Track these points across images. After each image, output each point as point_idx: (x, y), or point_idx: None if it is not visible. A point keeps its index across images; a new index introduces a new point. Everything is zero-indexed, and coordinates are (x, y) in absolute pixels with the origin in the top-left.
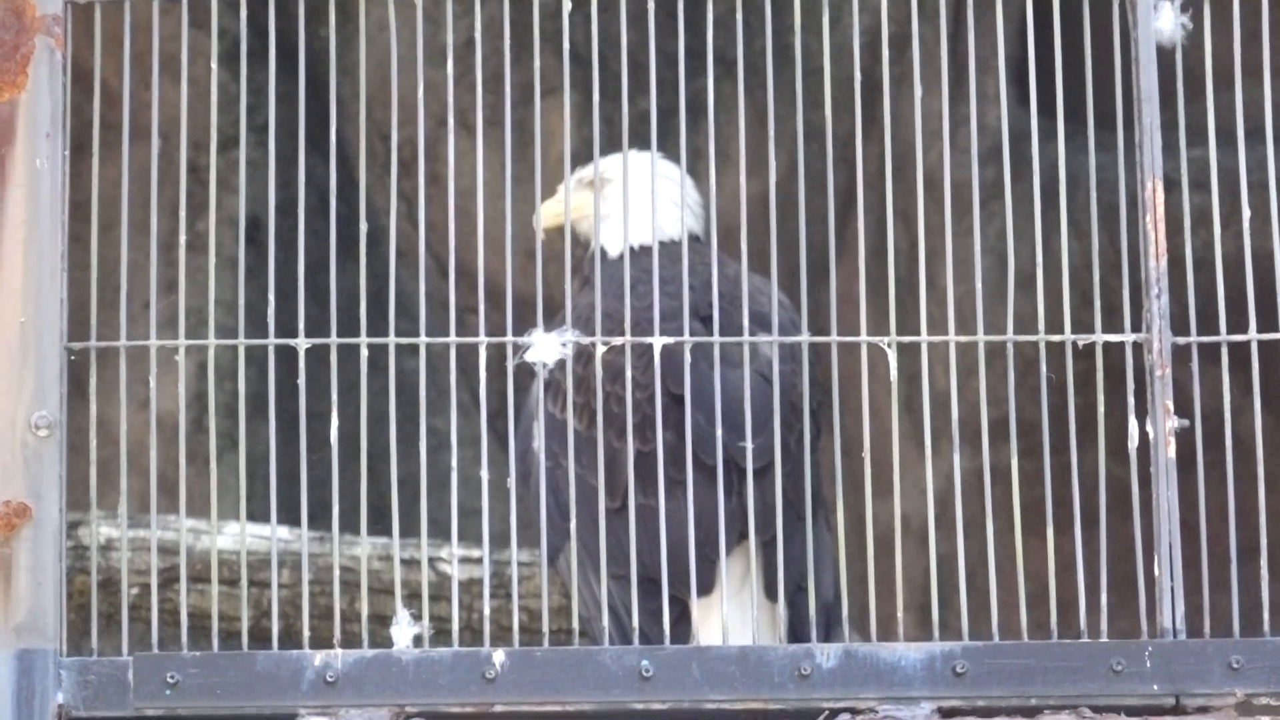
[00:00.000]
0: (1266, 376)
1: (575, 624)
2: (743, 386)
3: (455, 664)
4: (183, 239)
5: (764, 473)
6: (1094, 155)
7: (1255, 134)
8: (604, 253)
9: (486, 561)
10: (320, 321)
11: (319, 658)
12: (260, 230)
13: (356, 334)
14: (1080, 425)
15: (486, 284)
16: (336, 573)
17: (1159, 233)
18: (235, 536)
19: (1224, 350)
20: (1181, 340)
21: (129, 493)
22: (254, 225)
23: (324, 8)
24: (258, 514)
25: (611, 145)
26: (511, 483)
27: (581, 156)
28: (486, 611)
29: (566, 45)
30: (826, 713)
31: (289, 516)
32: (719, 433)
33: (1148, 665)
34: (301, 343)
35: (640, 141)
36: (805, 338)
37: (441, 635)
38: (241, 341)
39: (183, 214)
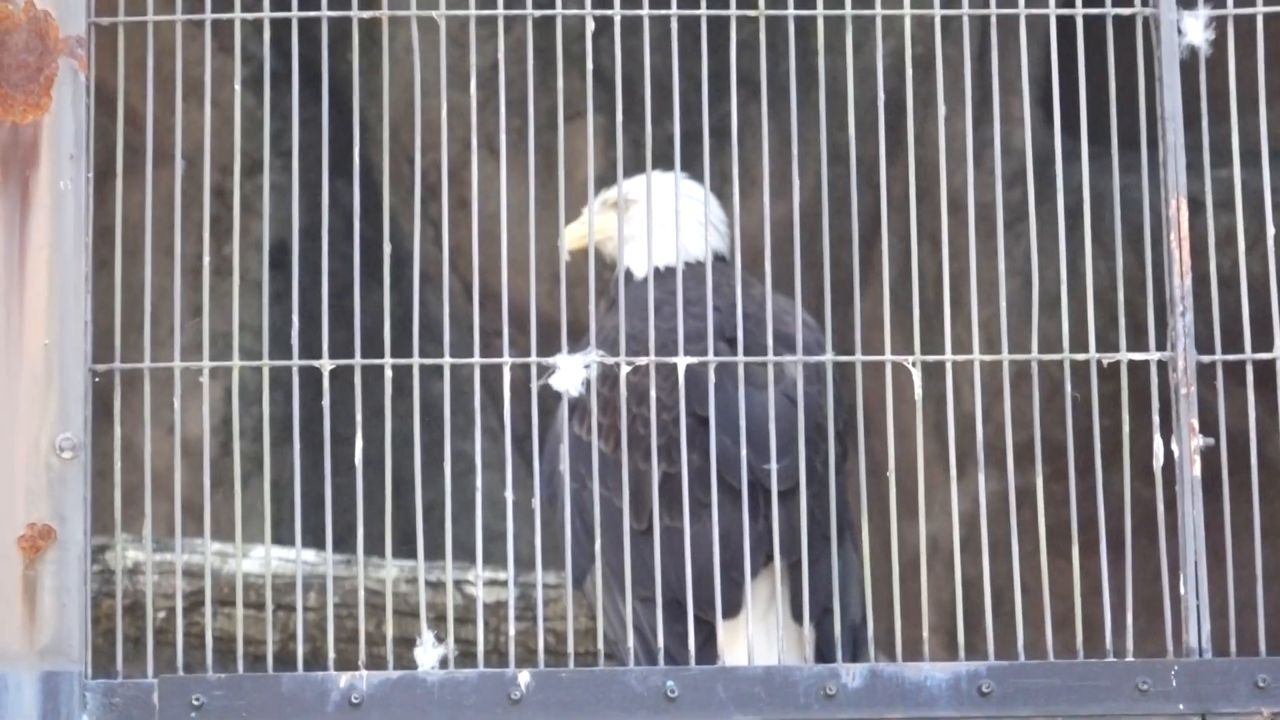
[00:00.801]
0: None
1: (601, 646)
2: (768, 408)
3: (481, 685)
4: (207, 263)
5: (790, 494)
6: (1119, 175)
7: None
8: (629, 274)
9: (512, 584)
10: (345, 345)
11: (344, 679)
12: (285, 254)
13: (382, 357)
14: (1106, 446)
15: (511, 307)
16: (362, 595)
17: (1183, 251)
18: (261, 560)
19: (1249, 369)
20: (1206, 359)
21: (155, 516)
22: (279, 249)
23: (349, 32)
24: (283, 537)
25: (636, 168)
26: (537, 505)
27: (607, 179)
28: (512, 633)
29: (590, 68)
30: None
31: (315, 540)
32: (744, 454)
33: (1174, 685)
34: (326, 364)
35: (665, 164)
36: (830, 357)
37: (467, 657)
38: (266, 363)
39: (207, 238)
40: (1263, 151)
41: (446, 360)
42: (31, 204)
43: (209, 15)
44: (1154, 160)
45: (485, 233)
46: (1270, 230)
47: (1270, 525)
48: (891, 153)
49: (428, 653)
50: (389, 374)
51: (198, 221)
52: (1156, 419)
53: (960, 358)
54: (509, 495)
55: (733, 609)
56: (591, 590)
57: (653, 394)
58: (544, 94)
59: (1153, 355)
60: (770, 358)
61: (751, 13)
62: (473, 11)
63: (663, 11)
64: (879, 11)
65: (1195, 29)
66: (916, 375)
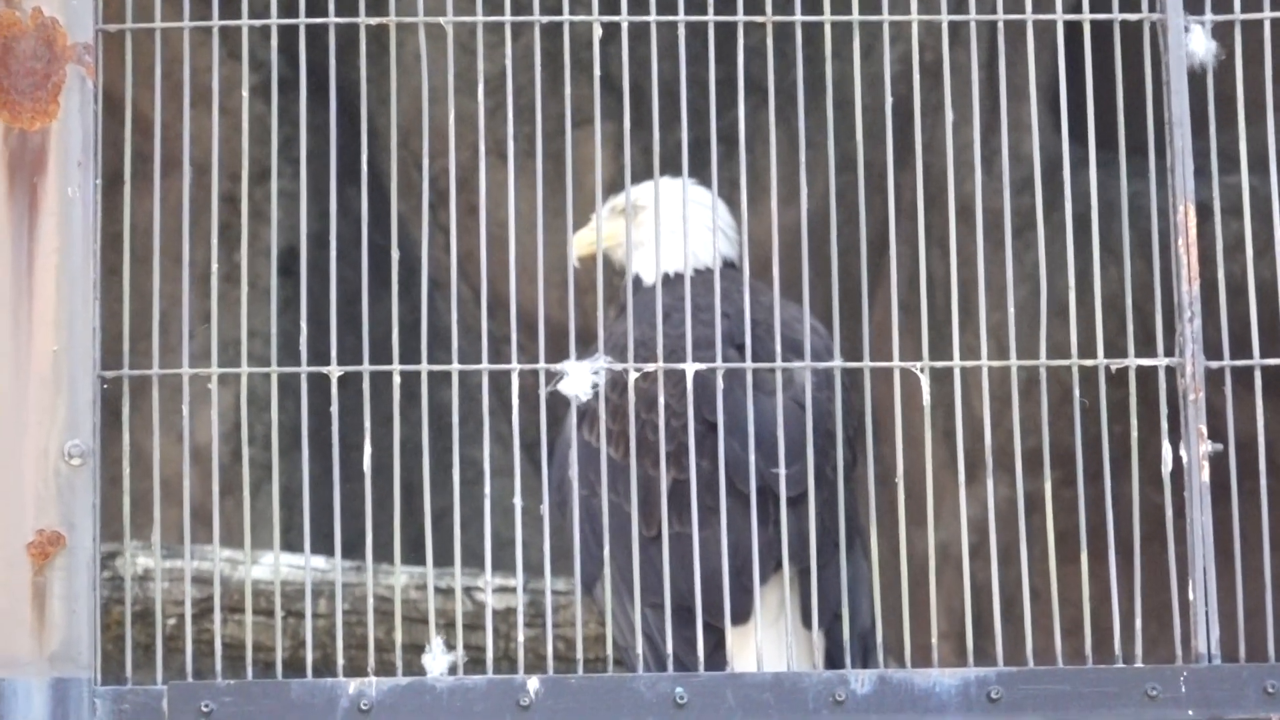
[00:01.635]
0: None
1: (610, 652)
2: (777, 414)
3: (490, 691)
4: (216, 269)
5: (799, 500)
6: (1127, 181)
7: None
8: (637, 280)
9: (521, 590)
10: (354, 352)
11: (353, 686)
12: (294, 261)
13: (390, 364)
14: (1115, 452)
15: (520, 313)
16: (371, 602)
17: (1191, 256)
18: (270, 566)
19: (1258, 374)
20: (1215, 364)
21: (164, 523)
22: (288, 256)
23: (357, 39)
24: (293, 544)
25: (645, 175)
26: (546, 511)
27: (616, 186)
28: (521, 640)
29: (599, 75)
30: None
31: (324, 546)
32: (753, 460)
33: (1183, 690)
34: (334, 370)
35: (673, 170)
36: (838, 363)
37: (477, 664)
38: (274, 369)
39: (216, 244)
40: (1271, 157)
41: (455, 367)
42: (40, 211)
43: (217, 22)
44: (1162, 166)
45: (494, 239)
46: (1279, 236)
47: (1278, 530)
48: (900, 159)
49: (437, 659)
50: (397, 380)
51: (206, 228)
52: (1165, 425)
53: (969, 364)
54: (518, 502)
55: (742, 615)
56: (601, 596)
57: (661, 400)
58: (552, 101)
59: (1161, 361)
60: (779, 364)
61: (759, 19)
62: (480, 18)
63: (670, 18)
64: (886, 18)
65: (1200, 42)
66: (925, 382)
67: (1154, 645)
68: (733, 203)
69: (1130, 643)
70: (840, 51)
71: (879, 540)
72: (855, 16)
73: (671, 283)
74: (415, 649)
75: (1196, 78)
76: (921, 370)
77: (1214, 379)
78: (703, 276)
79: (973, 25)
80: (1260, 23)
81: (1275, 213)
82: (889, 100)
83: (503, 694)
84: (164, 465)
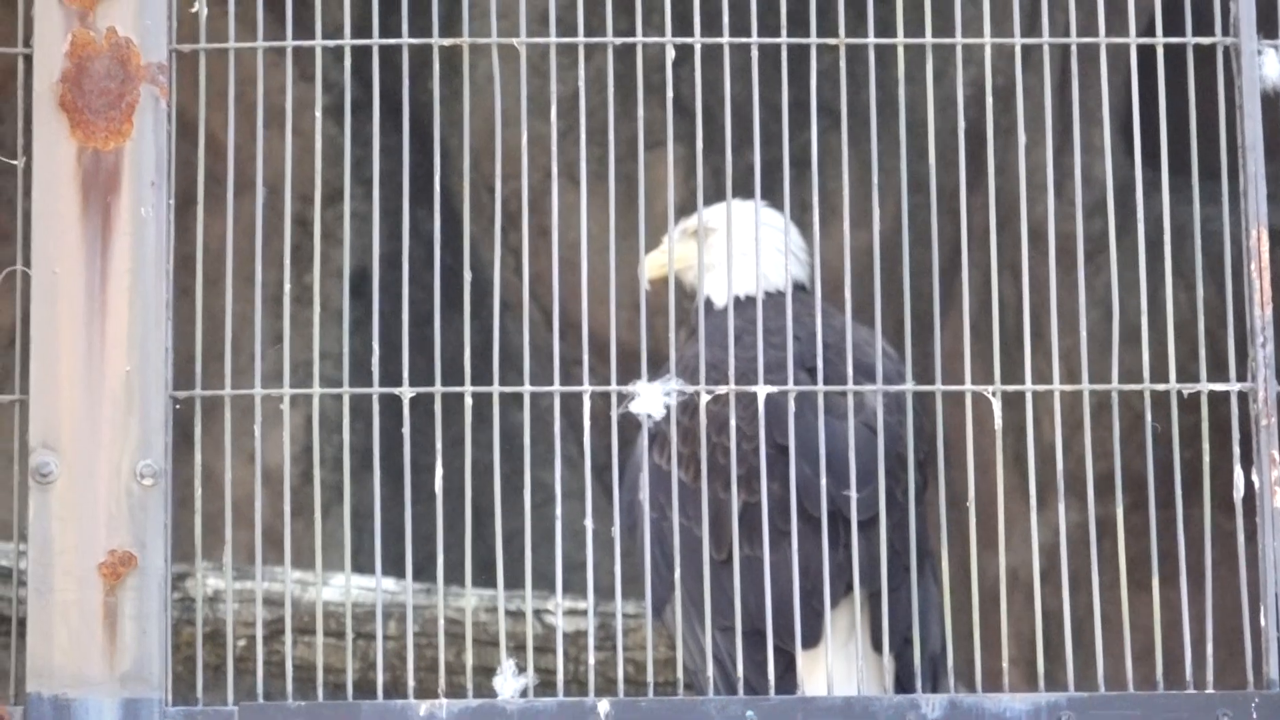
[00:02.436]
0: None
1: (680, 675)
2: (848, 437)
3: (560, 714)
4: (288, 290)
5: (870, 524)
6: (1199, 205)
7: None
8: (709, 303)
9: (592, 613)
10: (426, 373)
11: (424, 708)
12: (366, 282)
13: (462, 386)
14: (1187, 477)
15: (591, 336)
16: (442, 624)
17: (1264, 282)
18: (341, 588)
19: None
20: None
21: (235, 544)
22: (360, 277)
23: (430, 60)
24: (363, 565)
25: (717, 197)
26: (617, 534)
27: (687, 208)
28: (592, 663)
29: (671, 97)
30: None
31: (395, 568)
32: (824, 483)
33: (1254, 716)
34: (406, 392)
35: (745, 193)
36: (909, 386)
37: (547, 687)
38: (346, 390)
39: (288, 265)
40: None
41: (527, 389)
42: (113, 231)
43: (290, 43)
44: (1235, 191)
45: (565, 261)
46: None
47: None
48: (972, 182)
49: (507, 682)
50: (469, 402)
51: (278, 249)
52: (1237, 450)
53: (1041, 388)
54: (589, 524)
55: (812, 639)
56: (671, 620)
57: (733, 423)
58: (624, 123)
59: (1233, 386)
60: (850, 387)
61: (832, 41)
62: (553, 39)
63: (743, 40)
64: (959, 40)
65: (1274, 66)
66: (997, 406)
67: (1225, 671)
68: (804, 225)
69: (1201, 668)
70: (913, 74)
71: (949, 564)
72: (928, 39)
73: (743, 305)
74: (485, 671)
75: (1270, 102)
76: (993, 394)
77: None
78: (774, 299)
79: (1046, 48)
80: None
81: None
82: (961, 123)
83: (573, 717)
84: (235, 486)
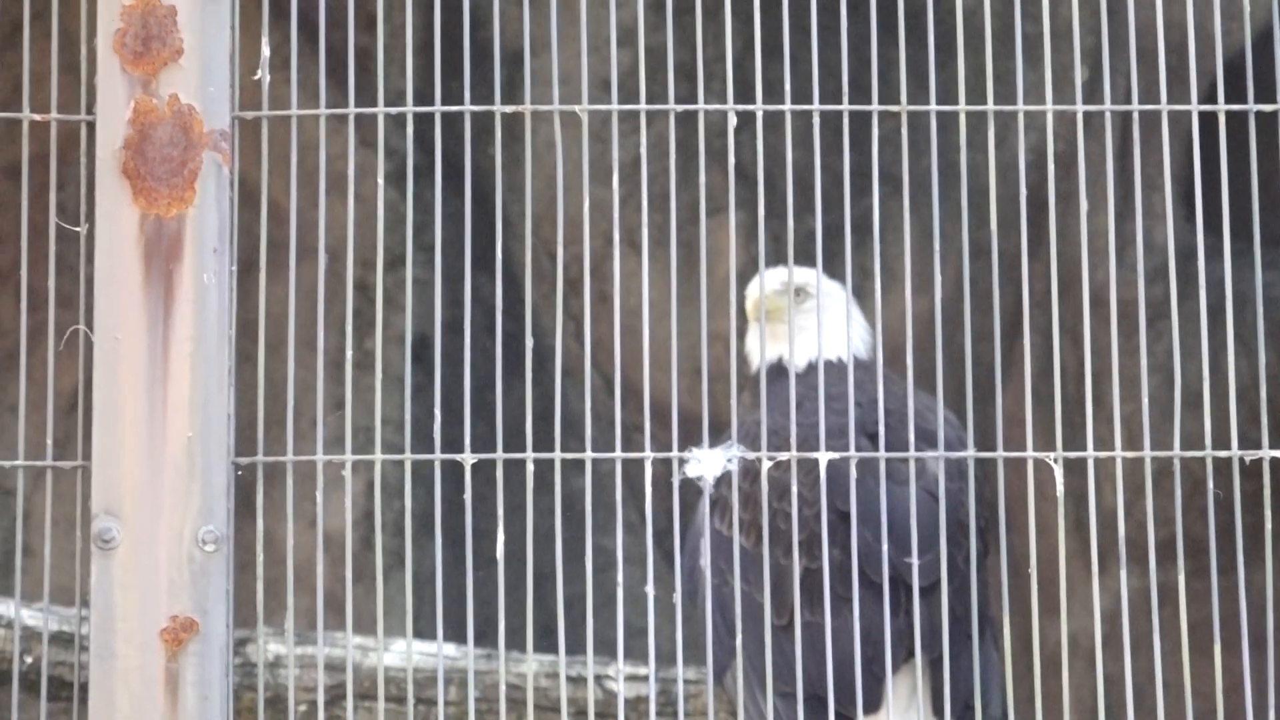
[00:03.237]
0: None
1: None
2: (910, 503)
3: None
4: (350, 356)
5: (931, 590)
6: (1261, 272)
7: None
8: (771, 370)
9: (653, 679)
10: (487, 439)
11: None
12: (427, 348)
13: (524, 452)
14: (1248, 543)
15: (652, 402)
16: (503, 690)
17: None
18: (402, 654)
19: None
20: None
21: (296, 609)
22: (421, 343)
23: (492, 126)
24: (425, 631)
25: (777, 263)
26: (678, 600)
27: (748, 275)
28: None
29: (732, 164)
30: None
31: (456, 634)
32: (885, 549)
33: None
34: (468, 458)
35: (806, 260)
36: (971, 453)
37: None
38: (409, 456)
39: (350, 331)
40: None
41: (589, 455)
42: (175, 297)
43: (352, 110)
44: None
45: (626, 328)
46: None
47: None
48: (1033, 249)
49: None
50: (531, 468)
51: (340, 315)
52: None
53: (1102, 454)
54: (650, 590)
55: (874, 705)
56: (732, 686)
57: (794, 489)
58: (685, 189)
59: None
60: (912, 454)
61: (894, 108)
62: (615, 106)
63: (805, 107)
64: (1021, 108)
65: None
66: (1058, 472)
67: None
68: (865, 292)
69: None
70: (974, 140)
71: (1011, 630)
72: (990, 106)
73: (804, 373)
74: None
75: None
76: (1054, 460)
77: None
78: (835, 368)
79: (1108, 115)
80: None
81: None
82: (1023, 189)
83: None
84: (296, 551)
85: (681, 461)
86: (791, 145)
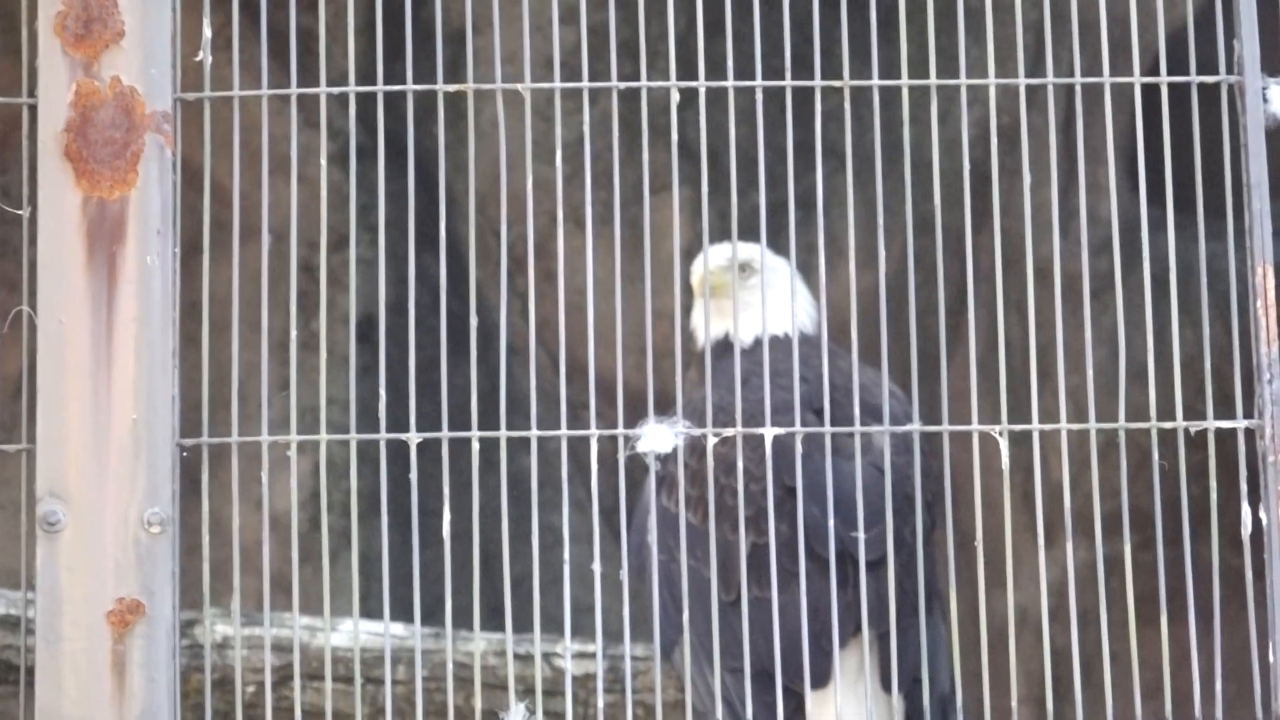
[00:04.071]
0: None
1: (689, 717)
2: (855, 478)
3: None
4: (294, 337)
5: (878, 564)
6: (1205, 243)
7: None
8: (716, 347)
9: (600, 656)
10: (433, 419)
11: None
12: (372, 328)
13: (469, 430)
14: (1194, 514)
15: (598, 379)
16: (450, 668)
17: (1270, 318)
18: (349, 634)
19: None
20: None
21: (243, 591)
22: (366, 323)
23: (435, 106)
24: (372, 611)
25: (722, 240)
26: (625, 577)
27: (693, 251)
28: (601, 705)
29: (676, 141)
30: None
31: (403, 613)
32: (832, 524)
33: None
34: (413, 437)
35: (750, 236)
36: (916, 427)
37: None
38: (354, 436)
39: (294, 312)
40: None
41: (534, 433)
42: (119, 280)
43: (295, 90)
44: (1240, 228)
45: (572, 305)
46: None
47: None
48: (978, 223)
49: None
50: (476, 447)
51: (284, 296)
52: (1244, 487)
53: (1048, 427)
54: (597, 567)
55: (821, 679)
56: (680, 662)
57: (740, 465)
58: (630, 167)
59: (1240, 423)
60: (858, 428)
61: (836, 83)
62: (558, 84)
63: (748, 83)
64: (964, 81)
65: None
66: (1004, 445)
67: (1234, 707)
68: (810, 268)
69: (1210, 705)
70: (917, 115)
71: (958, 604)
72: (933, 80)
73: (748, 350)
74: (494, 715)
75: (1275, 139)
76: (1000, 434)
77: None
78: (780, 344)
79: (1050, 88)
80: None
81: None
82: (966, 163)
83: None
84: (243, 533)
85: (628, 438)
86: (735, 122)
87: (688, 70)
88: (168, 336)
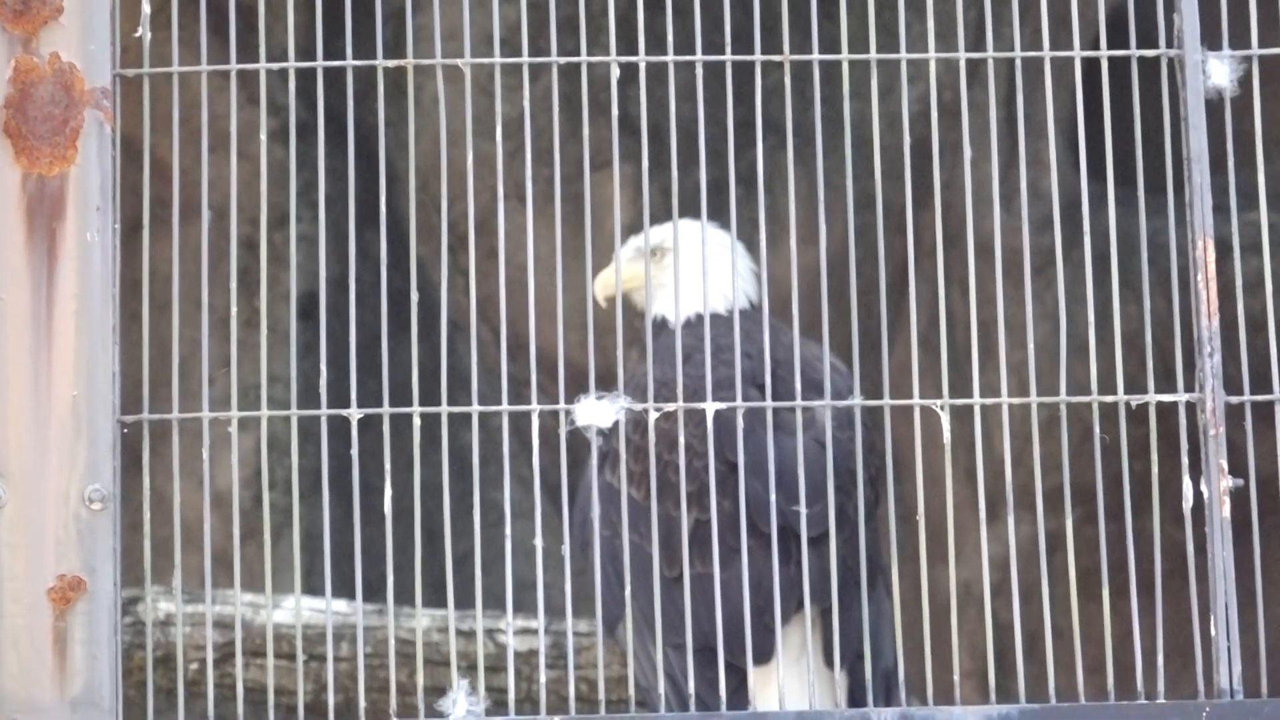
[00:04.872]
0: None
1: (633, 693)
2: (797, 453)
3: None
4: (236, 314)
5: (820, 540)
6: (1146, 218)
7: None
8: (658, 322)
9: (543, 632)
10: (375, 395)
11: None
12: (314, 305)
13: (410, 406)
14: (1136, 489)
15: (540, 356)
16: (393, 645)
17: (1211, 292)
18: (292, 610)
19: (1279, 409)
20: (1235, 400)
21: (185, 568)
22: (308, 300)
23: (376, 83)
24: (314, 587)
25: (665, 216)
26: (568, 553)
27: (635, 227)
28: (544, 682)
29: (617, 117)
30: None
31: (345, 590)
32: (774, 500)
33: None
34: (354, 413)
35: (693, 212)
36: (858, 401)
37: (499, 706)
38: (295, 412)
39: (235, 289)
40: None
41: (475, 409)
42: (59, 256)
43: (234, 66)
44: (1181, 203)
45: (513, 282)
46: None
47: None
48: (919, 198)
49: (459, 702)
50: (418, 423)
51: (226, 273)
52: (1186, 461)
53: (989, 401)
54: (539, 543)
55: (764, 655)
56: (623, 637)
57: (682, 441)
58: (571, 143)
59: (1181, 397)
60: (800, 403)
61: (776, 58)
62: (498, 60)
63: (688, 58)
64: (904, 56)
65: (1221, 71)
66: (946, 420)
67: (1176, 681)
68: (752, 243)
69: (1152, 679)
70: (859, 91)
71: (901, 579)
72: (873, 55)
73: (692, 324)
74: (438, 691)
75: (1214, 113)
76: (942, 408)
77: (1234, 414)
78: (723, 318)
79: (990, 63)
80: (1278, 58)
81: None
82: (908, 139)
83: None
84: (185, 510)
85: (569, 414)
86: (676, 97)
87: (629, 46)
88: (108, 313)
